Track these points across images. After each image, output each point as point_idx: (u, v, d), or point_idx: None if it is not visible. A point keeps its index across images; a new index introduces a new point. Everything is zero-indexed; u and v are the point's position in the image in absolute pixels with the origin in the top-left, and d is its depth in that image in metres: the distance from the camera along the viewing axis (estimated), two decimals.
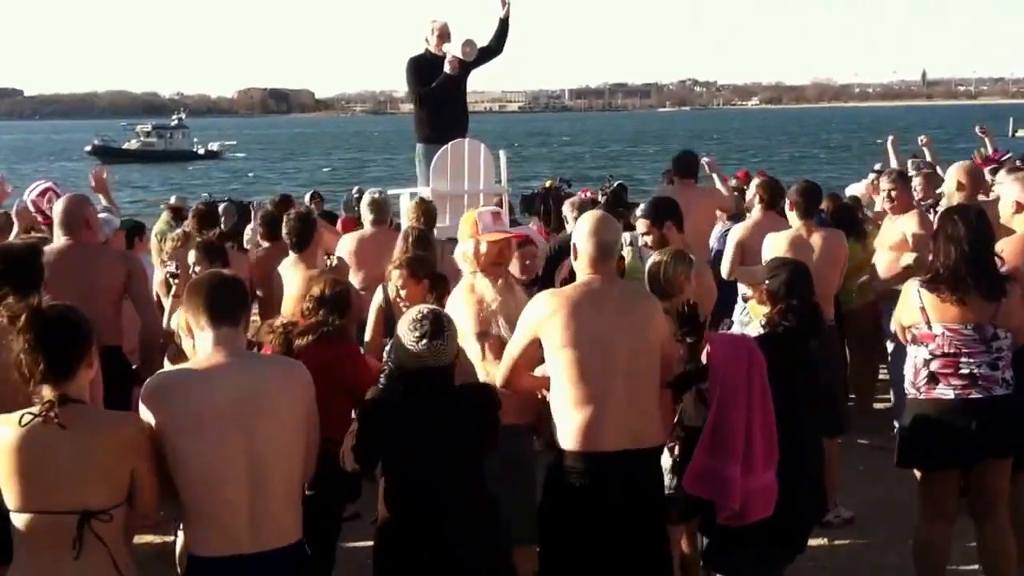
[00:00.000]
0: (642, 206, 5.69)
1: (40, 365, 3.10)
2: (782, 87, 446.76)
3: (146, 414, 3.30)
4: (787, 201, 6.62)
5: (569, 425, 3.97)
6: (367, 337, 5.66)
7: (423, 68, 8.53)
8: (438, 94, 8.45)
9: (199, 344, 3.41)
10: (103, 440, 3.11)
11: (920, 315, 4.67)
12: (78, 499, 3.07)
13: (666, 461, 4.29)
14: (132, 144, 75.44)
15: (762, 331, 4.11)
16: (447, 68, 8.35)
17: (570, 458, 3.97)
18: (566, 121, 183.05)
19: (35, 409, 3.08)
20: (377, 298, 5.67)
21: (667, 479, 4.24)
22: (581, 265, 4.09)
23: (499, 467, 4.05)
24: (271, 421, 3.34)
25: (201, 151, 76.23)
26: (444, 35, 8.49)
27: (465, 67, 8.45)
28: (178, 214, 11.07)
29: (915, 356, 4.73)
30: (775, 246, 6.24)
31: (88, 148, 74.25)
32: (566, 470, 3.98)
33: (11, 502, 3.09)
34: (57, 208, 5.53)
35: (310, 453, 3.51)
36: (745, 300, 4.32)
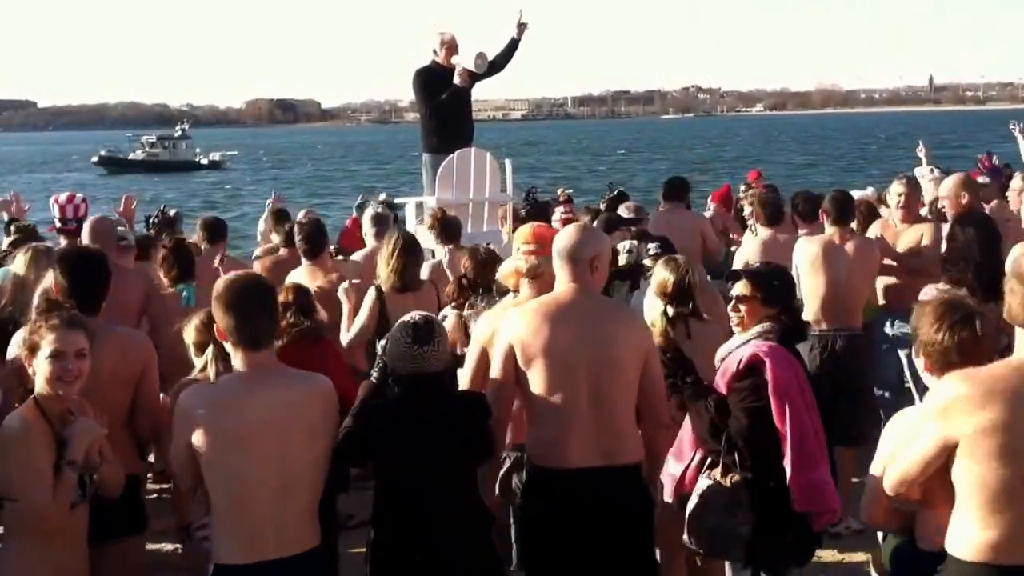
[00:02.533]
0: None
1: None
2: (787, 93, 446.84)
3: (188, 430, 3.42)
4: (820, 210, 6.52)
5: (535, 441, 3.93)
6: (359, 325, 5.83)
7: (432, 80, 8.61)
8: (449, 106, 8.51)
9: (233, 361, 3.54)
10: None
11: None
12: None
13: (703, 484, 4.04)
14: (137, 154, 75.75)
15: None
16: (457, 80, 8.43)
17: (538, 475, 3.93)
18: (564, 129, 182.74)
19: None
20: (371, 295, 5.88)
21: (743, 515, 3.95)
22: (556, 275, 4.00)
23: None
24: (305, 435, 3.48)
25: (204, 161, 76.45)
26: (452, 48, 8.60)
27: (473, 79, 8.53)
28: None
29: None
30: (806, 251, 6.18)
31: (95, 159, 74.53)
32: (534, 487, 3.96)
33: None
34: (87, 228, 5.76)
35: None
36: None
